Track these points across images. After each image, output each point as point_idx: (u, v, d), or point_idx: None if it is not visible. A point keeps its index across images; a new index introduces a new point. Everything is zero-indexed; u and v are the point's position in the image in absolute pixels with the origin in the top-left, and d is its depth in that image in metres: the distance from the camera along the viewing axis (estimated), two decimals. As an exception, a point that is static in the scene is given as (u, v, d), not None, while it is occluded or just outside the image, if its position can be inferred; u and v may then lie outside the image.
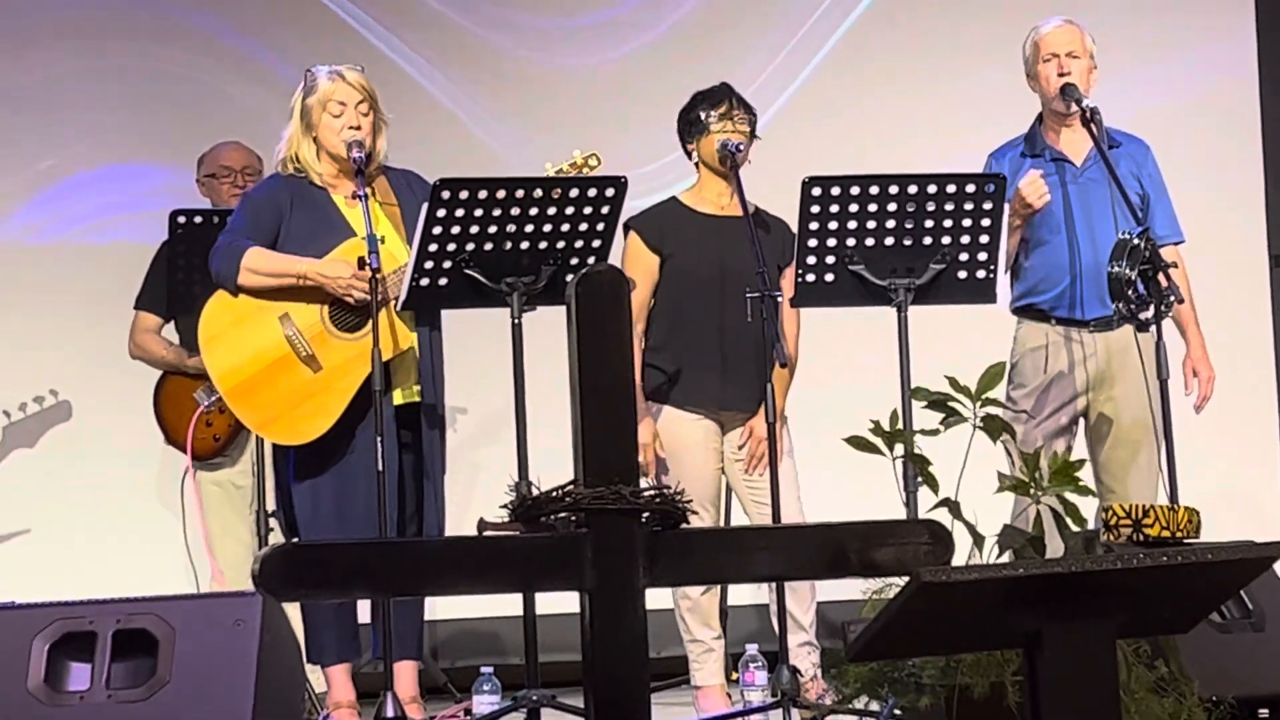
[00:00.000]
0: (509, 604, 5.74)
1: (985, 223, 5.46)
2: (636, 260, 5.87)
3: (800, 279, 5.47)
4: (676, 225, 5.87)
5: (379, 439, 5.19)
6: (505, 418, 5.39)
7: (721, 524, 5.94)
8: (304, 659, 5.27)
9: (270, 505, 5.85)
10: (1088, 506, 5.27)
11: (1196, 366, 6.03)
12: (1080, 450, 5.98)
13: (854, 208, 5.42)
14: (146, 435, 6.61)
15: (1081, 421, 6.04)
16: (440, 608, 7.00)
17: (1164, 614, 3.09)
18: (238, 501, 6.39)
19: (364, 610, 5.74)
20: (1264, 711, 4.71)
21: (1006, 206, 5.56)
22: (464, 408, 7.34)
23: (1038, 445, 5.79)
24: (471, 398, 7.16)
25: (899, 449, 4.91)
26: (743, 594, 7.04)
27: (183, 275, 6.23)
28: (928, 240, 5.45)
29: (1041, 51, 6.00)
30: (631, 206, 5.61)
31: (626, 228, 5.88)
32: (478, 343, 6.00)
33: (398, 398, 5.41)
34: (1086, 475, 5.07)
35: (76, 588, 6.03)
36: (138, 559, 7.02)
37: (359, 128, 5.44)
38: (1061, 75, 5.96)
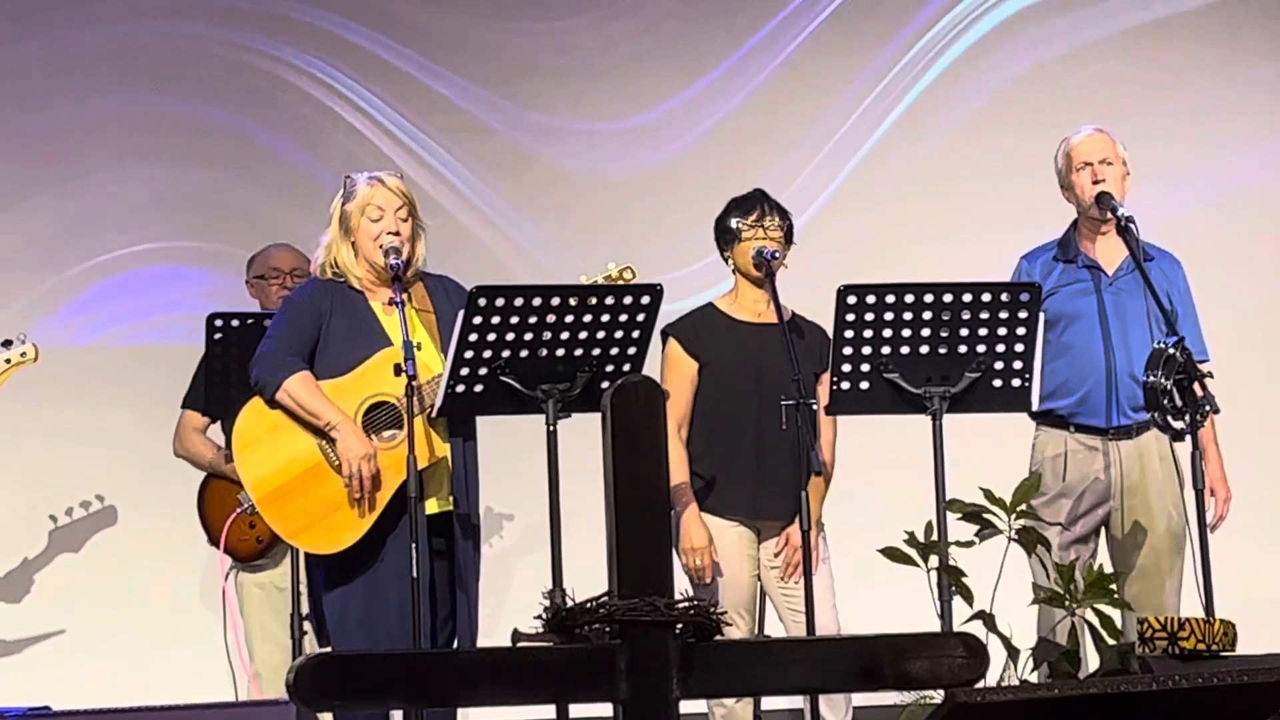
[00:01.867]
0: (542, 707, 5.72)
1: (1020, 331, 5.45)
2: (676, 367, 5.88)
3: (835, 386, 5.47)
4: (714, 332, 5.89)
5: (414, 546, 5.18)
6: (541, 526, 5.39)
7: (756, 631, 5.92)
8: (336, 765, 5.26)
9: (305, 609, 5.84)
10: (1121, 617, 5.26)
11: (1214, 485, 5.96)
12: (1101, 558, 5.95)
13: (889, 316, 5.41)
14: (189, 536, 6.61)
15: (1104, 530, 6.02)
16: (473, 711, 6.97)
17: (1201, 734, 3.07)
18: (279, 604, 6.37)
19: (396, 714, 5.71)
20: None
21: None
22: (510, 514, 7.35)
23: (1065, 556, 5.76)
24: (510, 505, 7.17)
25: (933, 560, 4.90)
26: (777, 699, 7.00)
27: (219, 379, 6.24)
28: (963, 349, 5.44)
29: (1075, 161, 6.02)
30: (667, 310, 5.61)
31: (665, 335, 5.89)
32: (516, 450, 6.00)
33: (431, 507, 5.38)
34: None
35: (119, 691, 6.06)
36: (180, 660, 7.02)
37: (398, 233, 5.45)
38: (1096, 183, 5.97)
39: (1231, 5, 8.07)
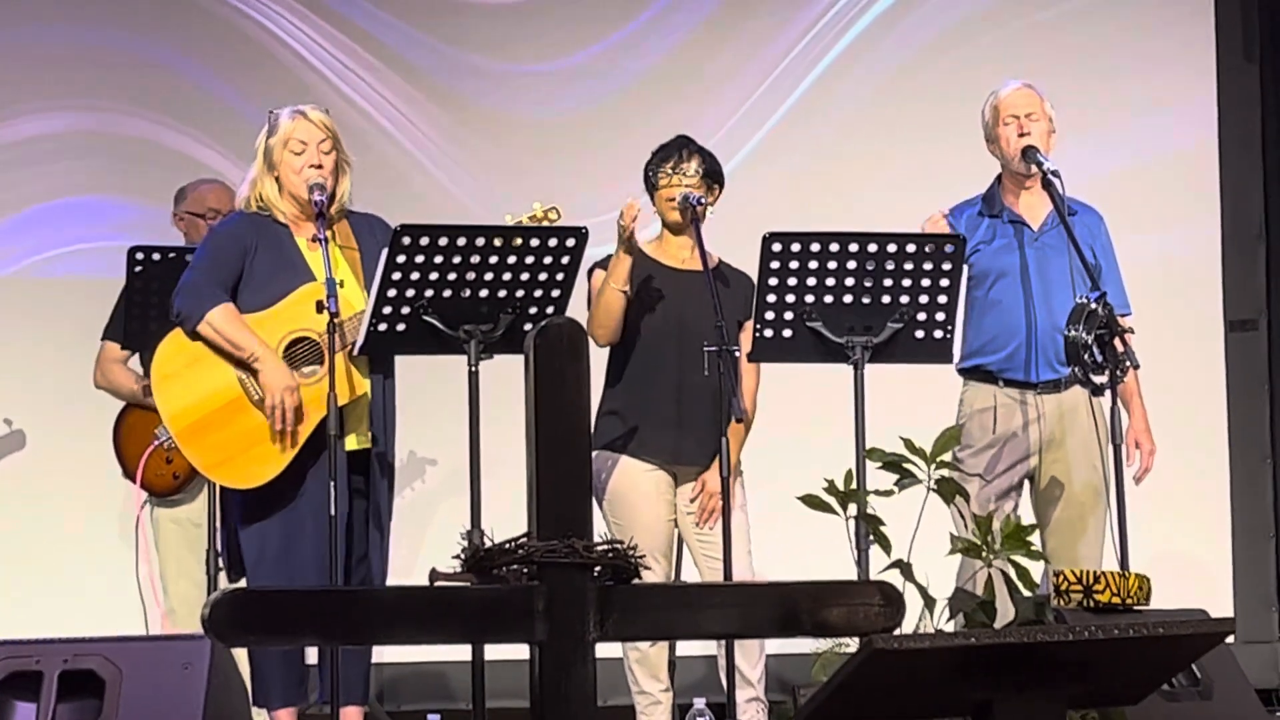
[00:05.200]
0: (458, 648, 5.71)
1: (944, 283, 5.48)
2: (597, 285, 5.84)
3: (758, 334, 5.47)
4: (639, 273, 5.86)
5: (333, 483, 5.17)
6: (463, 467, 5.37)
7: (673, 576, 5.93)
8: (250, 702, 5.24)
9: (219, 545, 5.81)
10: (1038, 569, 5.28)
11: (1139, 439, 6.02)
12: (1025, 511, 5.99)
13: (814, 264, 5.44)
14: (103, 469, 6.56)
15: (1027, 484, 6.05)
16: (388, 650, 6.96)
17: (1115, 686, 3.09)
18: (195, 540, 6.32)
19: (311, 653, 5.70)
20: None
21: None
22: (432, 455, 7.33)
23: (987, 508, 5.79)
24: (431, 446, 7.15)
25: (852, 509, 4.90)
26: (691, 645, 6.99)
27: (138, 311, 6.19)
28: (886, 299, 5.46)
29: (1001, 114, 6.03)
30: (594, 254, 5.61)
31: (591, 271, 5.87)
32: (440, 391, 5.97)
33: (350, 443, 5.37)
34: (1037, 539, 5.08)
35: (27, 622, 6.01)
36: (91, 595, 6.98)
37: (321, 166, 5.41)
38: (1022, 136, 5.98)
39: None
